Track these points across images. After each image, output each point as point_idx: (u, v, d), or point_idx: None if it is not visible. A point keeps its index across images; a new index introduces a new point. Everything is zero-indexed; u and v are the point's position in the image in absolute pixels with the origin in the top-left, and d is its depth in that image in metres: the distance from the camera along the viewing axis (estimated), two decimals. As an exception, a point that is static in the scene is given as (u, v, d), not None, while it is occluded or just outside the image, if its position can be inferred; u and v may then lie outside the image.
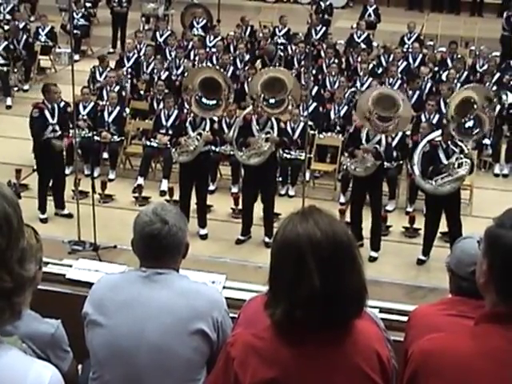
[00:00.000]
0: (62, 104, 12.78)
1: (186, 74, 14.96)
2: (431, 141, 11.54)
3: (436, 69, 17.03)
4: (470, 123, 11.14)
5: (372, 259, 11.35)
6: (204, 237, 12.00)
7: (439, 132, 11.74)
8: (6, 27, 19.35)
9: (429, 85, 16.15)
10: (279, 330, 2.69)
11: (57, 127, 12.24)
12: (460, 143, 11.34)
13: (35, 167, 13.44)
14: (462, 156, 11.24)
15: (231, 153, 13.38)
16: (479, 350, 2.46)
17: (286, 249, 2.67)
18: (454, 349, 2.51)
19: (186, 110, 12.89)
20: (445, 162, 11.29)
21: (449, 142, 11.38)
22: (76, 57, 17.65)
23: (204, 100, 11.70)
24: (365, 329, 2.80)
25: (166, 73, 16.44)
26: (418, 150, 11.50)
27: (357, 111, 12.00)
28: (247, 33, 20.05)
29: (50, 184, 12.34)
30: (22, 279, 1.95)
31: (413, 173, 11.74)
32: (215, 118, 12.54)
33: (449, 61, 17.86)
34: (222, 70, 13.48)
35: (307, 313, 2.61)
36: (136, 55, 17.35)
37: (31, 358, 2.14)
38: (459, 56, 18.06)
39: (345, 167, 12.29)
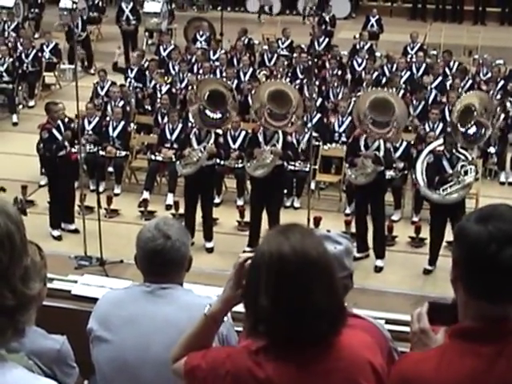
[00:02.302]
0: (66, 120, 12.83)
1: (190, 88, 15.05)
2: (433, 151, 11.55)
3: (440, 78, 17.02)
4: (472, 129, 11.17)
5: (378, 269, 11.34)
6: (210, 250, 12.01)
7: (441, 141, 11.76)
8: (10, 45, 19.41)
9: (433, 94, 16.17)
10: (276, 351, 2.68)
11: (66, 143, 12.29)
12: (463, 151, 11.35)
13: (41, 183, 13.50)
14: (466, 163, 11.25)
15: (236, 166, 13.42)
16: (452, 374, 2.41)
17: (255, 263, 2.70)
18: (425, 374, 2.46)
19: (190, 124, 12.92)
20: (449, 171, 11.30)
21: (453, 151, 11.39)
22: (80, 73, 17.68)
23: (208, 112, 11.76)
24: (352, 341, 2.78)
25: (168, 86, 16.45)
26: (420, 160, 11.52)
27: (353, 113, 12.03)
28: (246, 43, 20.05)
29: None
30: (24, 297, 1.96)
31: (417, 183, 11.74)
32: (220, 131, 12.58)
33: (447, 69, 17.88)
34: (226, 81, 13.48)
35: (270, 327, 2.61)
36: (138, 68, 17.37)
37: (36, 375, 2.15)
38: (457, 64, 18.09)
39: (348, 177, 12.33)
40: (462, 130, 11.21)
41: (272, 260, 2.62)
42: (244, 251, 2.97)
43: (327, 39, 20.69)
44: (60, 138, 12.30)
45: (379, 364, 2.78)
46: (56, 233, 12.27)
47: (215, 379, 2.75)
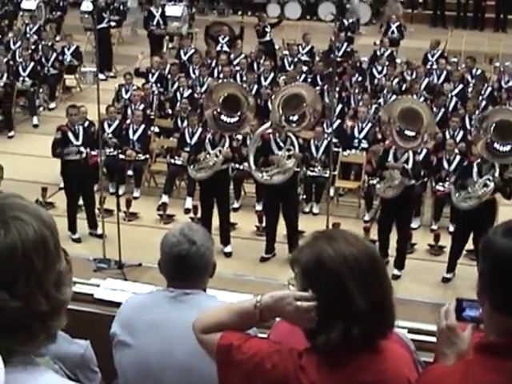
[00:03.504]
0: (87, 123, 12.87)
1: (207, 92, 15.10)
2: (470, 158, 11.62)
3: (461, 85, 16.95)
4: (506, 147, 11.06)
5: (395, 277, 11.30)
6: (228, 254, 12.01)
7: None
8: (33, 47, 19.51)
9: (453, 102, 16.11)
10: (321, 358, 2.64)
11: (82, 148, 12.27)
12: (496, 165, 11.27)
13: (61, 186, 13.53)
14: (491, 178, 11.16)
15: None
16: None
17: (324, 273, 2.61)
18: None
19: (208, 128, 12.96)
20: (475, 178, 11.29)
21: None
22: (101, 76, 17.72)
23: (223, 117, 11.75)
24: (394, 355, 2.76)
25: (189, 90, 16.49)
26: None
27: (382, 115, 11.99)
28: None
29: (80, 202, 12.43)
30: (57, 303, 1.97)
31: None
32: (239, 136, 12.59)
33: (468, 76, 17.82)
34: (245, 87, 13.45)
35: (363, 329, 2.57)
36: (159, 72, 17.42)
37: (66, 380, 2.15)
38: (479, 72, 18.02)
39: (370, 186, 12.29)
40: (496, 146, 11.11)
41: (343, 266, 2.59)
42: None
43: (347, 45, 20.64)
44: (74, 141, 12.31)
45: (414, 378, 2.74)
46: (74, 236, 12.31)
47: (256, 369, 2.67)
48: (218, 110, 11.72)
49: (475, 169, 11.40)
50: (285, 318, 2.78)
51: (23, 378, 1.94)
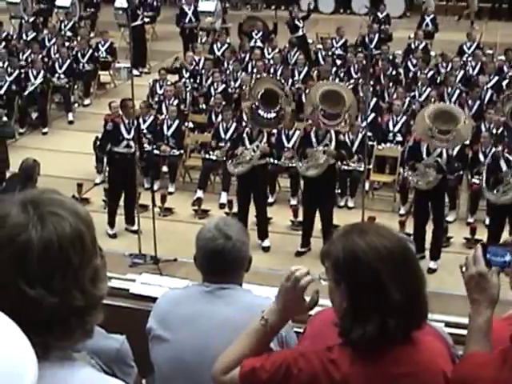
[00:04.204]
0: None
1: (244, 87, 15.12)
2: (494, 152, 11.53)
3: (497, 78, 16.79)
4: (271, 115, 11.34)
5: (431, 271, 11.23)
6: (267, 249, 12.03)
7: None
8: (67, 43, 19.63)
9: (489, 94, 15.96)
10: (355, 351, 2.63)
11: (131, 143, 12.26)
12: None
13: (96, 181, 13.61)
14: None
15: (290, 165, 13.38)
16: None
17: (358, 266, 2.59)
18: (486, 378, 2.43)
19: (244, 123, 12.94)
20: (504, 169, 11.24)
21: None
22: (135, 72, 17.79)
23: (261, 112, 11.76)
24: (429, 346, 2.75)
25: (223, 85, 16.51)
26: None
27: (417, 130, 11.94)
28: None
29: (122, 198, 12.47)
30: (94, 298, 1.97)
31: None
32: (274, 131, 12.58)
33: (505, 68, 17.64)
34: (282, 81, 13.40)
35: (399, 321, 2.56)
36: (193, 67, 17.46)
37: (104, 375, 2.16)
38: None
39: (405, 179, 12.24)
40: None
41: (377, 258, 2.58)
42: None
43: (380, 37, 20.51)
44: (126, 135, 12.34)
45: (449, 373, 2.72)
46: (111, 231, 12.36)
47: (284, 380, 2.66)
48: (256, 104, 11.74)
49: (502, 161, 11.33)
50: (292, 308, 2.83)
51: (61, 374, 1.95)
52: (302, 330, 3.33)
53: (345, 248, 2.64)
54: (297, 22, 21.19)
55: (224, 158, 13.01)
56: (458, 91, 15.86)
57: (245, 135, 12.25)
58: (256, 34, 20.66)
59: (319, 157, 11.72)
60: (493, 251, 2.66)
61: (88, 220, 1.99)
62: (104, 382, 2.06)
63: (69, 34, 20.92)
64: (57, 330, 1.92)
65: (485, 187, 11.44)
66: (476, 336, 2.63)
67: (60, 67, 17.84)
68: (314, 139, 11.99)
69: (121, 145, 12.33)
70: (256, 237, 11.83)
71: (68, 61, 18.01)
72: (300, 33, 21.02)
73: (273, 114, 11.79)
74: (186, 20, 21.33)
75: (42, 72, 17.20)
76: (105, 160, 13.53)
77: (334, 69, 17.73)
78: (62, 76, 17.72)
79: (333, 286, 2.69)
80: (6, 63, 17.68)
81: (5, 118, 14.12)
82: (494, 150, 12.01)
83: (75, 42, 19.89)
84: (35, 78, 17.03)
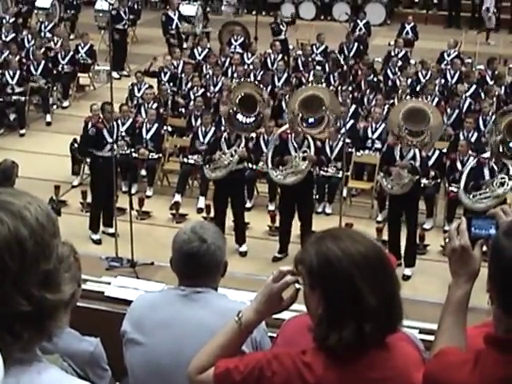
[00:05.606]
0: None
1: (224, 91, 15.11)
2: (479, 159, 11.59)
3: (474, 87, 16.87)
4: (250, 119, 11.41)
5: (405, 278, 11.26)
6: (244, 254, 12.02)
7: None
8: (48, 44, 19.55)
9: (467, 103, 16.02)
10: (329, 355, 2.62)
11: (114, 146, 12.16)
12: (509, 163, 11.25)
13: (74, 184, 13.54)
14: (505, 176, 11.14)
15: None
16: (484, 382, 2.38)
17: (332, 272, 2.58)
18: (457, 379, 2.44)
19: (222, 128, 12.92)
20: (487, 179, 11.30)
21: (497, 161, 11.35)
22: (115, 75, 17.73)
23: (239, 117, 11.76)
24: (403, 350, 2.74)
25: (203, 90, 16.47)
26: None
27: (388, 126, 12.03)
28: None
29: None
30: (46, 302, 1.90)
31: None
32: (253, 135, 12.58)
33: (488, 78, 17.73)
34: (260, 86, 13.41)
35: (374, 326, 2.56)
36: (171, 72, 17.41)
37: (71, 377, 2.12)
38: (496, 73, 17.94)
39: (381, 186, 12.29)
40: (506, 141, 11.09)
41: (369, 259, 2.59)
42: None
43: (358, 45, 20.56)
44: (109, 139, 12.26)
45: (417, 381, 2.69)
46: (95, 236, 12.25)
47: (259, 380, 2.66)
48: (235, 109, 11.73)
49: (486, 169, 11.39)
50: (269, 306, 2.81)
51: (23, 376, 1.91)
52: (275, 335, 3.33)
53: (318, 254, 2.62)
54: (281, 26, 21.30)
55: (202, 163, 12.99)
56: (436, 99, 15.90)
57: (223, 140, 12.24)
58: (235, 41, 20.64)
59: (299, 163, 11.73)
60: (478, 224, 2.64)
61: (33, 224, 1.90)
62: (70, 382, 2.02)
63: (48, 35, 20.81)
64: (6, 335, 1.87)
65: (462, 190, 11.47)
66: (452, 308, 2.64)
67: (35, 69, 17.71)
68: (291, 146, 11.99)
69: (105, 149, 12.29)
70: (233, 242, 11.81)
71: (43, 62, 17.87)
72: (282, 36, 21.08)
73: (252, 119, 11.79)
74: (173, 25, 21.26)
75: (18, 72, 17.07)
76: (84, 163, 13.47)
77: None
78: (40, 77, 17.59)
79: (308, 292, 2.67)
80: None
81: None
82: (482, 155, 12.04)
83: (53, 44, 19.80)
84: (12, 78, 16.93)
